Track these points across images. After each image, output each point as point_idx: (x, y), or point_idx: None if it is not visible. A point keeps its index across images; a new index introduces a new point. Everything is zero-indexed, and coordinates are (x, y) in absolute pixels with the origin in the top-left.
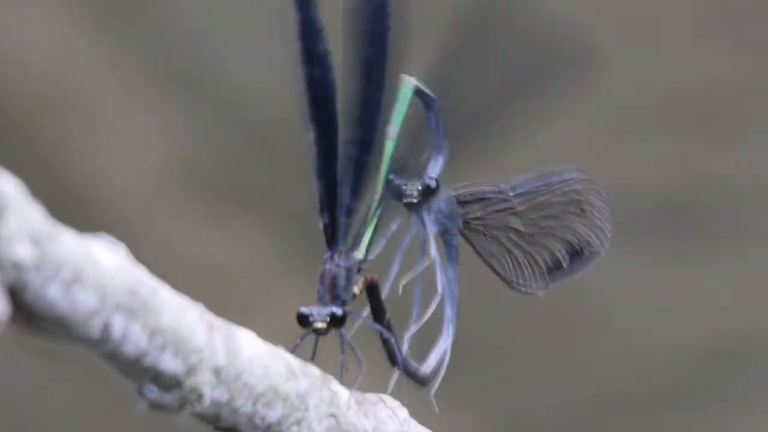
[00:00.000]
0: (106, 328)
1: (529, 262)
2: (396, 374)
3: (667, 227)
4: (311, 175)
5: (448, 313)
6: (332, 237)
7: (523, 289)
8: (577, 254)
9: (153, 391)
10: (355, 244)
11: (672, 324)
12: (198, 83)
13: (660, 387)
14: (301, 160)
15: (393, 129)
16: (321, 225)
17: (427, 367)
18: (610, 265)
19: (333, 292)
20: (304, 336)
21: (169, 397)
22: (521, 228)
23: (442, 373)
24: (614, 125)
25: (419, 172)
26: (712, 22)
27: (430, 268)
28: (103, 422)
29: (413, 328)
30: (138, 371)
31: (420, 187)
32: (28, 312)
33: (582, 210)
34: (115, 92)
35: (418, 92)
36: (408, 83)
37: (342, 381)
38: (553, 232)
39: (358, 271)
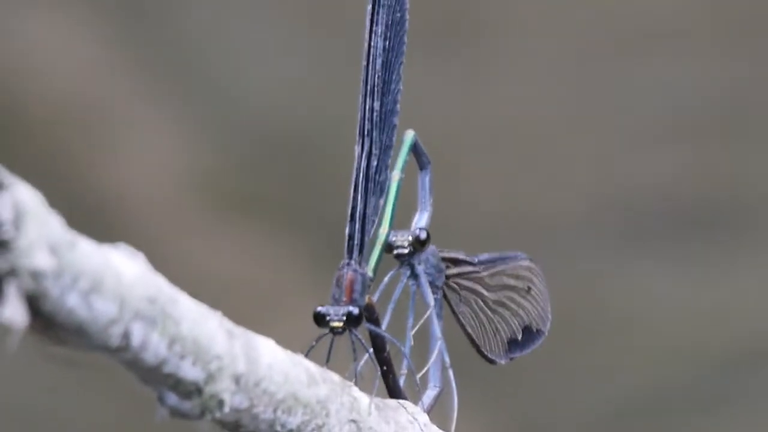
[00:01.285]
0: (126, 336)
1: (493, 331)
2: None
3: (685, 231)
4: (350, 185)
5: (445, 359)
6: (353, 246)
7: (489, 355)
8: (528, 331)
9: (173, 399)
10: (363, 259)
11: (692, 328)
12: (218, 95)
13: (681, 392)
14: (319, 172)
15: (397, 173)
16: (346, 232)
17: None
18: (629, 269)
19: (350, 294)
20: (321, 337)
21: (189, 405)
22: (487, 294)
23: (453, 418)
24: (634, 129)
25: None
26: (733, 27)
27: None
28: (124, 430)
29: (402, 378)
30: (158, 379)
31: (411, 238)
32: (47, 320)
33: (528, 288)
34: (134, 103)
35: (415, 149)
36: (409, 135)
37: (357, 384)
38: (509, 306)
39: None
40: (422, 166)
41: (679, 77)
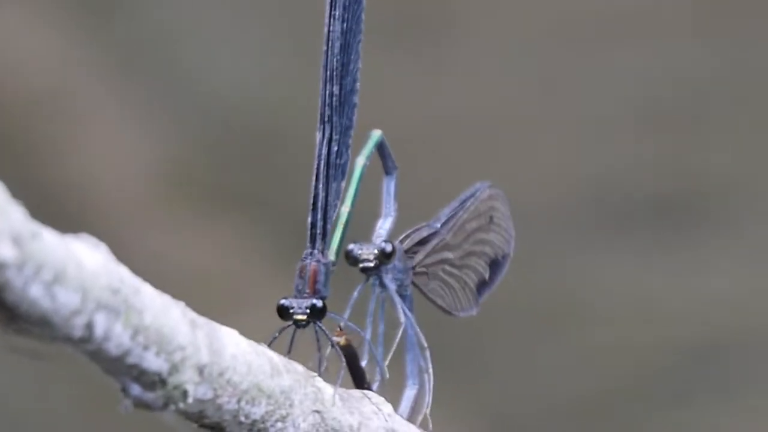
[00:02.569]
0: (89, 327)
1: (462, 286)
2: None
3: (654, 220)
4: (312, 173)
5: (420, 363)
6: (315, 235)
7: (461, 314)
8: (494, 263)
9: (137, 390)
10: (326, 246)
11: (661, 317)
12: (186, 86)
13: (648, 383)
14: (286, 164)
15: (361, 159)
16: (308, 221)
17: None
18: (599, 259)
19: (313, 286)
20: (283, 328)
21: (152, 396)
22: (452, 257)
23: (423, 413)
24: (602, 119)
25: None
26: (698, 18)
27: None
28: (88, 422)
29: (376, 384)
30: (121, 370)
31: (376, 251)
32: (9, 311)
33: (491, 218)
34: (101, 94)
35: (381, 150)
36: (376, 134)
37: (321, 376)
38: (474, 250)
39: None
40: (388, 171)
41: (645, 67)
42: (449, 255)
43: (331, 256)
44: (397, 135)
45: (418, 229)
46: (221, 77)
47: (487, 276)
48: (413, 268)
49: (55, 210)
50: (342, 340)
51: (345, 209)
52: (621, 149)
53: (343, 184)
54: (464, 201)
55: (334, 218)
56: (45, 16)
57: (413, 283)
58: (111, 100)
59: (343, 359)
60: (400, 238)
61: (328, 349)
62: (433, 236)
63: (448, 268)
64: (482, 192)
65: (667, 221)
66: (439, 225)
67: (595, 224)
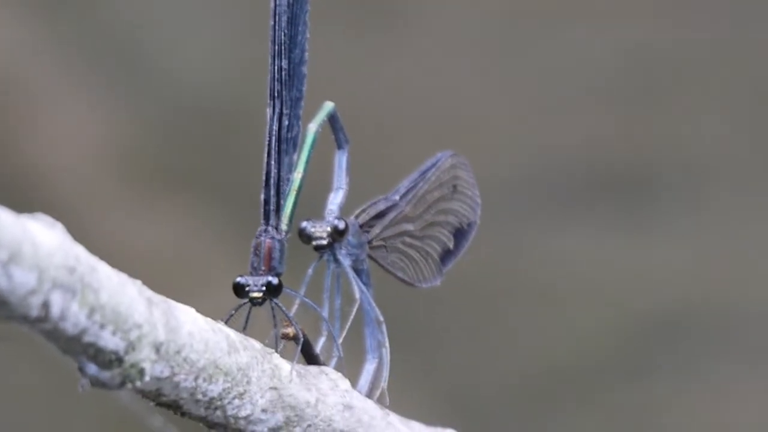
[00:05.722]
0: (45, 306)
1: (423, 257)
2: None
3: (611, 194)
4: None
5: (378, 337)
6: (269, 211)
7: (424, 285)
8: (459, 232)
9: (93, 369)
10: (279, 218)
11: (618, 291)
12: (138, 68)
13: (603, 358)
14: (239, 143)
15: (313, 126)
16: (262, 198)
17: (360, 390)
18: (553, 235)
19: (269, 263)
20: (239, 306)
21: (109, 374)
22: (412, 228)
23: (381, 387)
24: (559, 94)
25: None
26: None
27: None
28: (47, 402)
29: (334, 362)
30: (78, 349)
31: (329, 229)
32: None
33: (454, 187)
34: (53, 76)
35: (334, 123)
36: (328, 106)
37: (278, 352)
38: (436, 220)
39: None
40: (340, 145)
41: (601, 43)
42: (409, 227)
43: (284, 223)
44: (351, 110)
45: (374, 203)
46: (174, 59)
47: (451, 245)
48: (370, 242)
49: (10, 193)
50: (290, 331)
51: (297, 175)
52: (577, 124)
53: (295, 156)
54: (425, 172)
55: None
56: (1, 2)
57: (371, 257)
58: (65, 83)
59: (301, 335)
60: (356, 212)
61: (289, 329)
62: (391, 209)
63: (408, 239)
64: (444, 161)
65: (624, 195)
66: (397, 197)
67: (551, 198)
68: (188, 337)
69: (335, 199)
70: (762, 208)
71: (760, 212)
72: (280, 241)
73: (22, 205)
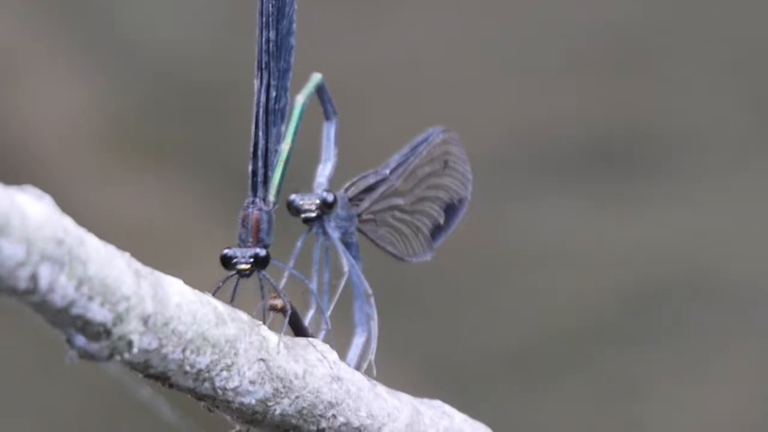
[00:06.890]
0: (33, 278)
1: (414, 232)
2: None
3: (597, 168)
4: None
5: (367, 310)
6: (257, 182)
7: (414, 260)
8: (450, 207)
9: (81, 341)
10: (267, 189)
11: (603, 263)
12: (123, 40)
13: (591, 326)
14: (225, 115)
15: (300, 97)
16: (249, 169)
17: (349, 363)
18: (542, 205)
19: (256, 234)
20: (227, 278)
21: (97, 346)
22: (402, 203)
23: (368, 359)
24: (539, 67)
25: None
26: None
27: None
28: (35, 375)
29: (322, 334)
30: (66, 321)
31: (318, 201)
32: None
33: (446, 162)
34: (38, 49)
35: (321, 95)
36: (316, 77)
37: (266, 324)
38: (427, 195)
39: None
40: (328, 117)
41: (585, 17)
42: (399, 201)
43: (272, 194)
44: (339, 83)
45: (364, 176)
46: (157, 31)
47: (442, 220)
48: (359, 215)
49: None
50: (278, 303)
51: (285, 146)
52: (563, 98)
53: (283, 127)
54: (416, 146)
55: (275, 163)
56: None
57: (360, 231)
58: (49, 54)
59: (289, 307)
60: (346, 185)
61: (277, 300)
62: (381, 183)
63: (398, 214)
64: (435, 137)
65: (609, 168)
66: (387, 171)
67: (536, 171)
68: (176, 309)
69: (324, 171)
70: (756, 178)
71: (753, 182)
72: (267, 212)
73: (5, 177)
